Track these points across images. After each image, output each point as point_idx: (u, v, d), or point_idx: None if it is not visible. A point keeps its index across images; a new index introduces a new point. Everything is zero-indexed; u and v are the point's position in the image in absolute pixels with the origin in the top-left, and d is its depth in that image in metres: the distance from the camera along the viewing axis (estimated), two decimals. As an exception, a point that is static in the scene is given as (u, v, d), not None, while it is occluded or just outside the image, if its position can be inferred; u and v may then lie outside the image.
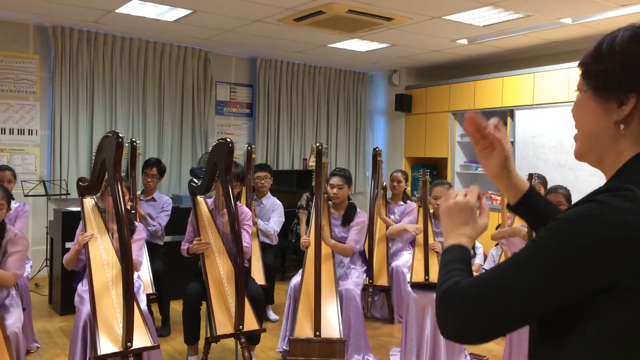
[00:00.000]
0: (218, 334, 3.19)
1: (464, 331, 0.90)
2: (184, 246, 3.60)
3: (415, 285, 3.76)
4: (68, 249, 3.59)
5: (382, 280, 4.79)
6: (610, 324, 0.83)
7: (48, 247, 5.38)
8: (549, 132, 6.19)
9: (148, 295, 3.74)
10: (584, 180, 5.45)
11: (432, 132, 7.71)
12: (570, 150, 1.06)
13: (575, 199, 3.66)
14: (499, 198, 6.22)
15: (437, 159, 7.71)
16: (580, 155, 1.02)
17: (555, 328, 0.90)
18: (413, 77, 8.20)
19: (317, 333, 3.53)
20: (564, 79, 6.01)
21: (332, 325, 3.58)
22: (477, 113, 1.20)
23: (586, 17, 5.24)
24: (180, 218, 4.61)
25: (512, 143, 6.68)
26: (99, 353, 2.78)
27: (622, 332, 0.83)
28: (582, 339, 0.86)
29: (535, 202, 1.23)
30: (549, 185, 3.87)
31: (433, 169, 7.62)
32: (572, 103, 1.01)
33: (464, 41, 6.31)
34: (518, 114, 6.61)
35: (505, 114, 6.78)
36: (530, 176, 4.06)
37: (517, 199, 1.22)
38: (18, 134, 6.02)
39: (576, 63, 0.99)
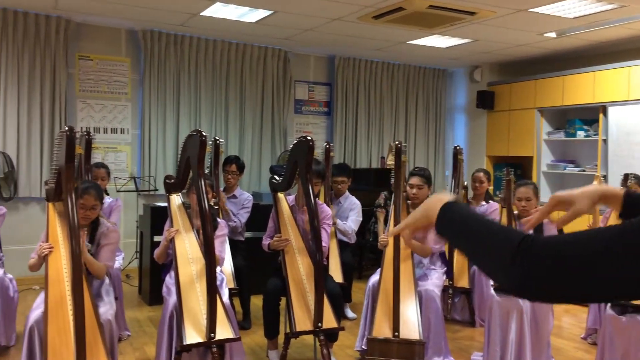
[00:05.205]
0: (297, 330, 3.22)
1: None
2: (265, 241, 3.67)
3: (500, 289, 3.62)
4: (157, 242, 3.76)
5: (463, 282, 4.66)
6: None
7: (138, 240, 5.67)
8: (646, 129, 5.79)
9: (230, 290, 3.83)
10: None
11: (516, 129, 7.41)
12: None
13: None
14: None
15: (522, 158, 7.41)
16: None
17: None
18: (496, 73, 7.92)
19: (396, 333, 3.49)
20: (664, 72, 5.59)
21: (411, 326, 3.52)
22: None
23: (691, 5, 4.85)
24: (260, 215, 4.71)
25: (605, 141, 6.30)
26: (184, 342, 2.89)
27: None
28: None
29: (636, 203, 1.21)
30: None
31: (517, 169, 7.34)
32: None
33: (552, 34, 6.02)
34: (611, 110, 6.22)
35: (597, 110, 6.41)
36: (626, 177, 3.81)
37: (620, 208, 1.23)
38: (111, 133, 6.39)
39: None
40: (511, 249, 0.85)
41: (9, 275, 3.89)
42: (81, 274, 2.57)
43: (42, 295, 2.92)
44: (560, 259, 0.81)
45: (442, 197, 1.07)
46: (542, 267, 0.82)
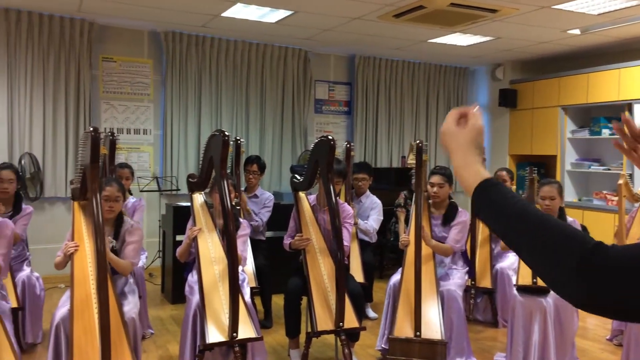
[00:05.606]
0: (319, 329, 3.22)
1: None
2: (287, 240, 3.69)
3: (522, 289, 3.59)
4: (179, 242, 3.80)
5: (485, 282, 4.62)
6: None
7: (161, 239, 5.74)
8: (673, 127, 5.66)
9: (251, 289, 3.85)
10: None
11: (539, 128, 7.32)
12: None
13: None
14: (615, 199, 5.80)
15: (545, 157, 7.31)
16: None
17: None
18: (518, 71, 7.83)
19: (418, 333, 3.47)
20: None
21: (432, 326, 3.50)
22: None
23: None
24: (281, 214, 4.72)
25: (630, 139, 6.17)
26: (207, 341, 2.92)
27: None
28: None
29: None
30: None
31: (540, 167, 7.24)
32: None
33: (576, 31, 5.93)
34: (637, 107, 6.10)
35: (623, 108, 6.29)
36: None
37: None
38: (134, 133, 6.47)
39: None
40: (579, 256, 0.77)
41: (36, 274, 3.97)
42: (106, 272, 2.61)
43: (67, 294, 2.97)
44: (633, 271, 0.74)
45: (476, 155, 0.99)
46: (613, 282, 0.75)
